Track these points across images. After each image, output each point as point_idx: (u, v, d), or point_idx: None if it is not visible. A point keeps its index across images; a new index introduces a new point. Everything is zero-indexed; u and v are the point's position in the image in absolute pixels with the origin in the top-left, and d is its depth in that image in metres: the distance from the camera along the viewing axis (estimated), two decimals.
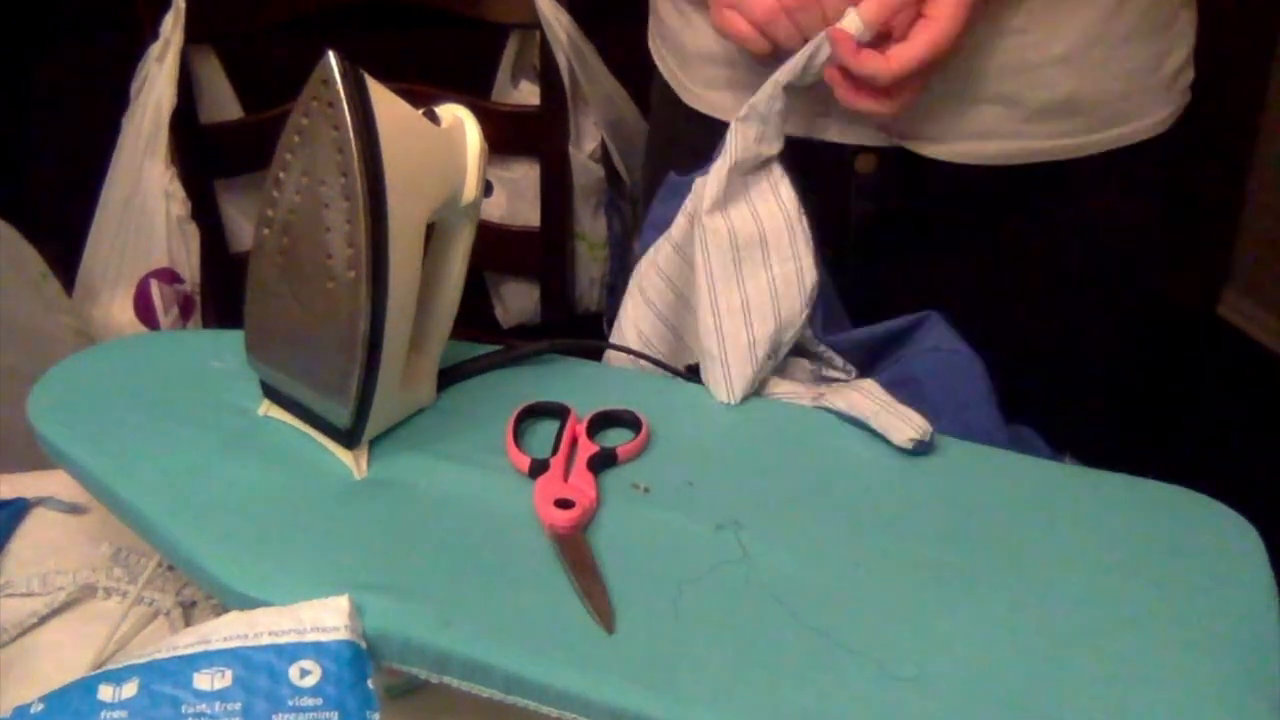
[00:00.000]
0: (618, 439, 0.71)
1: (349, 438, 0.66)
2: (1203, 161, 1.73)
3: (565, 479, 0.66)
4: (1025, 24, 0.79)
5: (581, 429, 0.70)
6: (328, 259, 0.62)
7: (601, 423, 0.71)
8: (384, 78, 0.62)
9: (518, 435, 0.69)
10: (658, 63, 0.96)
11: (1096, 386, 0.97)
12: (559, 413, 0.71)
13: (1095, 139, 0.84)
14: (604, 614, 0.58)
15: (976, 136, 0.82)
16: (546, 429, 0.70)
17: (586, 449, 0.68)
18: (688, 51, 0.90)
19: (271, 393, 0.69)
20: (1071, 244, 0.89)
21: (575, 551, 0.61)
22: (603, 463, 0.68)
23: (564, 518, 0.63)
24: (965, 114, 0.81)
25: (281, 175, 0.63)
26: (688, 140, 0.90)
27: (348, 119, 0.60)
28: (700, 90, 0.91)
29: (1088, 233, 0.89)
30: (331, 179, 0.61)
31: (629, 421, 0.72)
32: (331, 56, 0.60)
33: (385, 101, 0.62)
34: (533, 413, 0.71)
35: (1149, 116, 0.85)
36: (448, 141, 0.67)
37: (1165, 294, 0.96)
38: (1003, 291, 0.91)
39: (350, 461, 0.66)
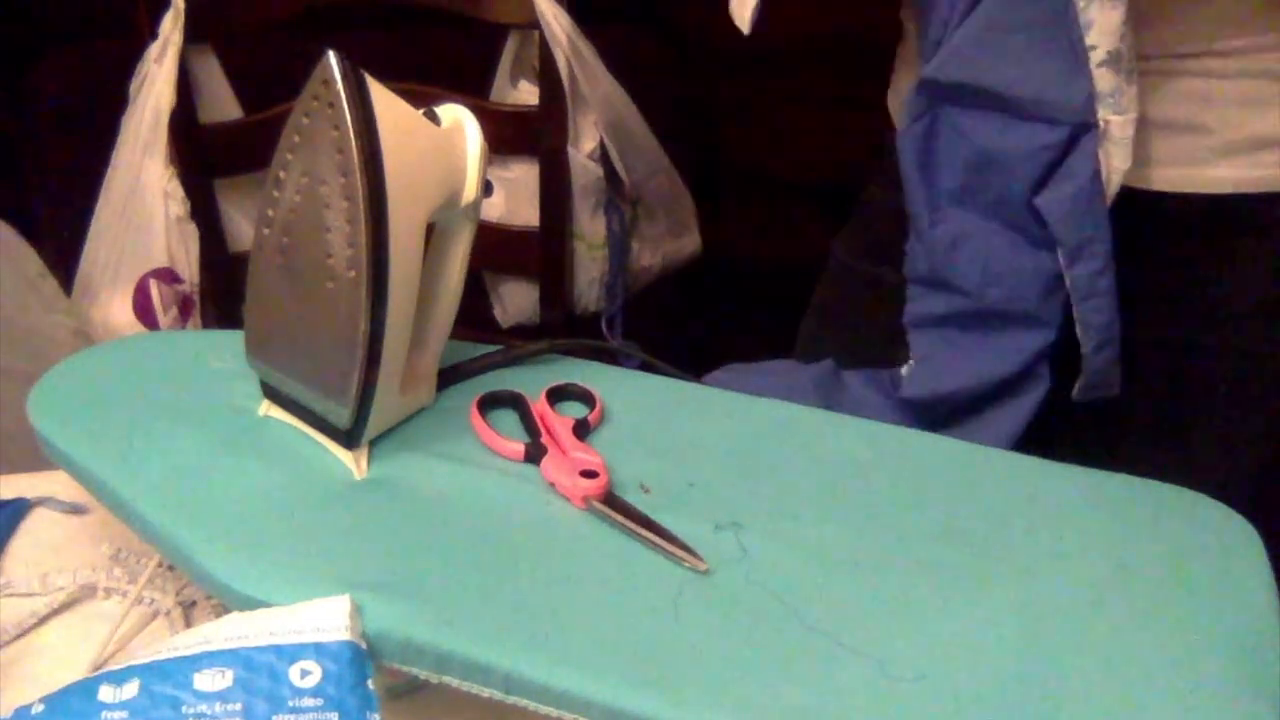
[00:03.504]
0: (579, 410, 0.72)
1: (349, 438, 0.66)
2: None
3: (565, 454, 0.67)
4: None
5: (545, 408, 0.71)
6: (328, 259, 0.62)
7: (556, 397, 0.73)
8: (384, 78, 0.62)
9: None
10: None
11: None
12: (513, 400, 0.72)
13: None
14: (689, 552, 0.61)
15: (1168, 164, 0.79)
16: (508, 417, 0.71)
17: (563, 423, 0.69)
18: None
19: (271, 393, 0.69)
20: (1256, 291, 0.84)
21: (623, 510, 0.63)
22: (583, 432, 0.69)
23: (595, 486, 0.64)
24: (1155, 141, 0.79)
25: (281, 175, 0.63)
26: None
27: (348, 119, 0.60)
28: None
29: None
30: (332, 179, 0.61)
31: (579, 394, 0.74)
32: (332, 56, 0.60)
33: (385, 101, 0.61)
34: (487, 405, 0.72)
35: None
36: (448, 141, 0.67)
37: None
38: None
39: (350, 461, 0.66)
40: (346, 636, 0.54)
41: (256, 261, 0.65)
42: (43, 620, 0.69)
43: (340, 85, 0.60)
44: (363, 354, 0.63)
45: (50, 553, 0.73)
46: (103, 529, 0.73)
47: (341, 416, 0.65)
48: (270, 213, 0.64)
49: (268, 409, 0.69)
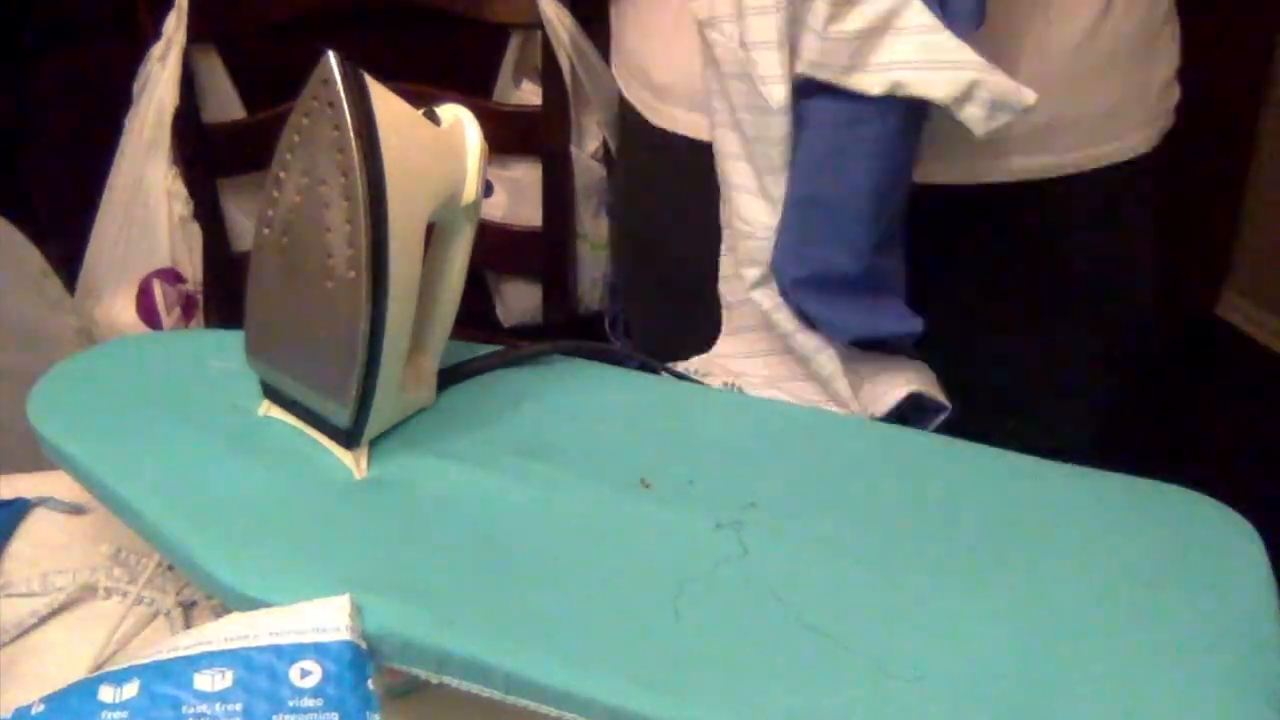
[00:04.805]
0: None
1: (349, 438, 0.66)
2: (1201, 162, 1.73)
3: None
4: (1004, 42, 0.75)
5: None
6: (328, 259, 0.62)
7: None
8: (384, 78, 0.62)
9: None
10: (625, 93, 0.95)
11: (1090, 396, 0.96)
12: None
13: (1075, 158, 0.82)
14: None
15: (960, 157, 0.80)
16: None
17: None
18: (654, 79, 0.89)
19: (271, 393, 0.69)
20: (1057, 269, 0.88)
21: None
22: None
23: None
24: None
25: (281, 175, 0.63)
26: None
27: (348, 119, 0.60)
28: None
29: (1071, 259, 0.88)
30: (332, 179, 0.61)
31: None
32: (331, 56, 0.60)
33: (385, 101, 0.61)
34: None
35: (1133, 136, 0.84)
36: (448, 141, 0.67)
37: (1165, 296, 0.96)
38: (991, 309, 0.89)
39: (350, 461, 0.66)
40: (347, 636, 0.54)
41: (257, 261, 0.65)
42: (43, 620, 0.69)
43: (340, 85, 0.60)
44: (363, 354, 0.63)
45: (50, 553, 0.73)
46: (103, 529, 0.73)
47: (341, 416, 0.65)
48: (270, 212, 0.64)
49: (268, 409, 0.69)
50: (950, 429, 0.77)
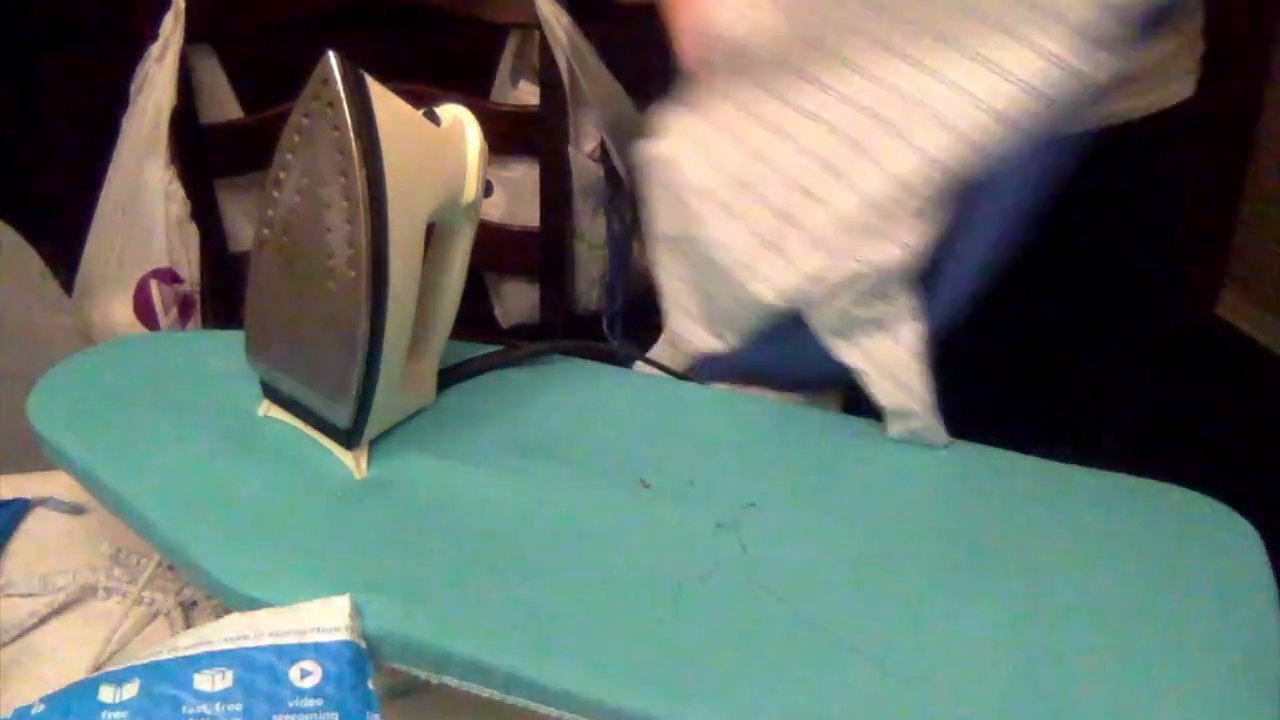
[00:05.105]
0: None
1: (349, 438, 0.66)
2: (1201, 162, 1.73)
3: None
4: None
5: None
6: (328, 259, 0.62)
7: None
8: (384, 78, 0.62)
9: None
10: None
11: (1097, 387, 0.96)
12: None
13: (1130, 105, 0.81)
14: None
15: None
16: None
17: None
18: None
19: (271, 393, 0.69)
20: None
21: None
22: None
23: None
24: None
25: (281, 176, 0.63)
26: None
27: (348, 119, 0.60)
28: None
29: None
30: (332, 179, 0.61)
31: None
32: (331, 56, 0.60)
33: (385, 101, 0.62)
34: None
35: (1179, 83, 0.83)
36: (448, 141, 0.67)
37: (1167, 293, 0.96)
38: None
39: (350, 461, 0.66)
40: (346, 637, 0.55)
41: (256, 262, 0.65)
42: (43, 620, 0.69)
43: (340, 85, 0.60)
44: (363, 354, 0.63)
45: (50, 553, 0.73)
46: (103, 529, 0.73)
47: (342, 416, 0.65)
48: (270, 213, 0.64)
49: (267, 409, 0.69)
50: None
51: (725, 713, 0.55)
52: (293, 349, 0.66)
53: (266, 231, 0.64)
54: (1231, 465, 0.74)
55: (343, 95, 0.60)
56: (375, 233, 0.61)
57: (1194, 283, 2.40)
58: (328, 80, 0.60)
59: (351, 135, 0.60)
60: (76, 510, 0.76)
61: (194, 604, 0.70)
